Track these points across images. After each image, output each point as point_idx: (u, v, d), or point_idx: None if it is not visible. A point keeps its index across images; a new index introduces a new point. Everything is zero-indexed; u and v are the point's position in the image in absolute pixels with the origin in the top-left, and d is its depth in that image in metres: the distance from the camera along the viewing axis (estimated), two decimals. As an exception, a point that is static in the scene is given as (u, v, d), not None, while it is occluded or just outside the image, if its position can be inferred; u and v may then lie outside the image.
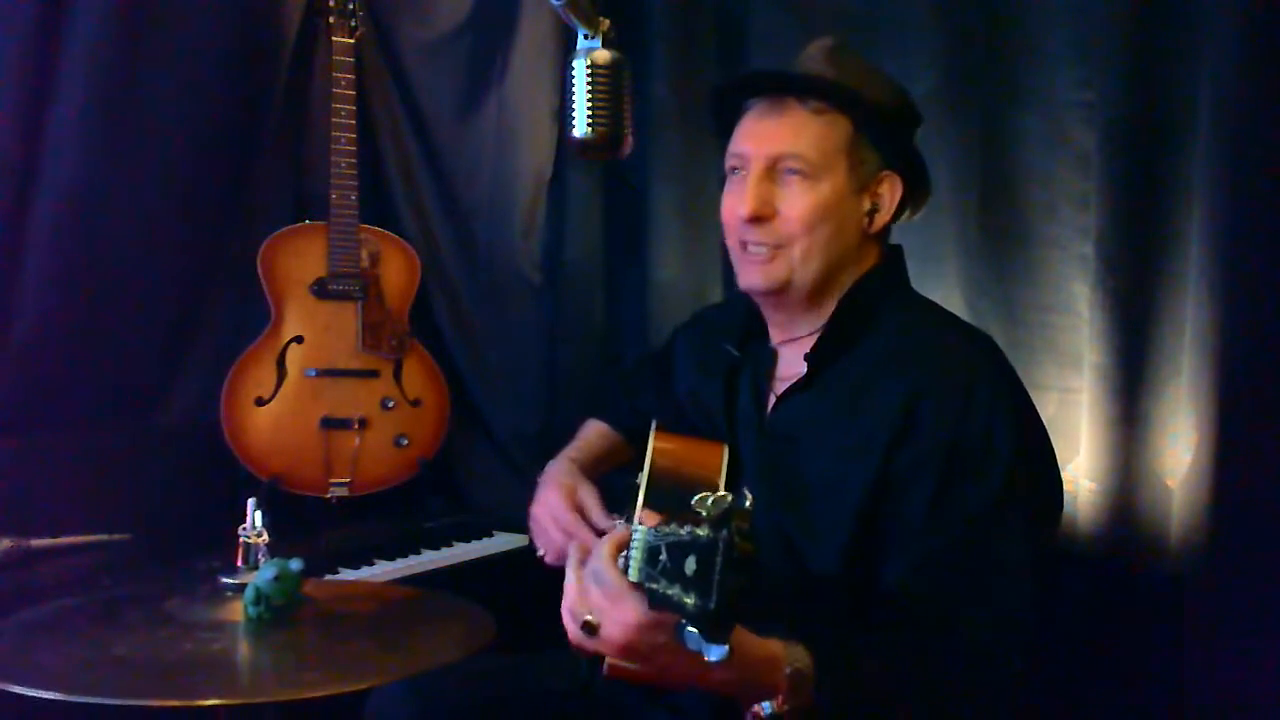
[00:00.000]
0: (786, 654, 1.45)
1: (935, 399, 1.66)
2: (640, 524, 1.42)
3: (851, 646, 1.54)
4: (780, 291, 1.80)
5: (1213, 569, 2.13)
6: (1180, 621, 2.19)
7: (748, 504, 1.23)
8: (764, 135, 1.79)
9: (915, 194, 1.87)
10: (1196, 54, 2.19)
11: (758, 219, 1.77)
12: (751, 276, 1.82)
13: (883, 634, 1.59)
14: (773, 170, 1.77)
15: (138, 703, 1.45)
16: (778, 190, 1.77)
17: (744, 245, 1.81)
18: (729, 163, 1.85)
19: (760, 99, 1.83)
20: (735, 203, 1.80)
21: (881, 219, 1.82)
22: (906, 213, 1.87)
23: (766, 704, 1.44)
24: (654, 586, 1.31)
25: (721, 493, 1.25)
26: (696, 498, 1.26)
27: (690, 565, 1.23)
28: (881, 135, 1.80)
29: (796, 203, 1.76)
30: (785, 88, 1.81)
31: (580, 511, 1.91)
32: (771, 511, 1.74)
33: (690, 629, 1.22)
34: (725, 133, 1.89)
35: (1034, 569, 1.64)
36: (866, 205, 1.81)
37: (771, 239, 1.77)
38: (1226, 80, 2.11)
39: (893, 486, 1.65)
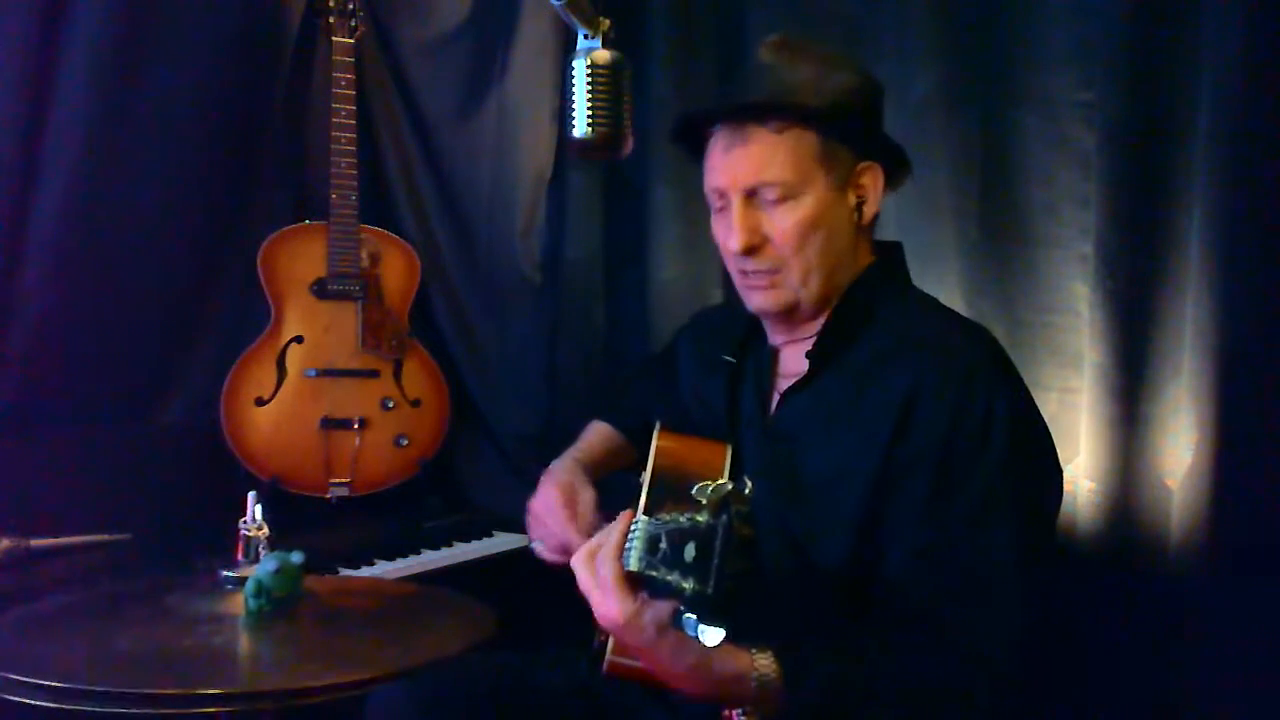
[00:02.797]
0: (753, 666, 1.46)
1: (933, 393, 1.66)
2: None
3: (822, 651, 1.54)
4: (790, 311, 1.81)
5: (1213, 569, 2.13)
6: (1180, 621, 2.19)
7: (746, 490, 1.24)
8: (735, 168, 1.77)
9: (895, 173, 1.86)
10: (1196, 54, 2.19)
11: (751, 250, 1.76)
12: (759, 302, 1.81)
13: (865, 635, 1.59)
14: (754, 197, 1.76)
15: (139, 694, 1.45)
16: (763, 216, 1.76)
17: (744, 274, 1.81)
18: (709, 197, 1.84)
19: (722, 125, 1.80)
20: (725, 236, 1.80)
21: (870, 209, 1.82)
22: (887, 191, 1.87)
23: (739, 712, 1.46)
24: (653, 574, 1.32)
25: (721, 480, 1.26)
26: (697, 486, 1.27)
27: (689, 551, 1.24)
28: (849, 130, 1.78)
29: (784, 223, 1.75)
30: (743, 114, 1.78)
31: (573, 510, 1.92)
32: (775, 510, 1.74)
33: (688, 615, 1.23)
34: (695, 156, 1.89)
35: (1032, 566, 1.64)
36: (852, 200, 1.80)
37: (768, 264, 1.77)
38: (1226, 80, 2.11)
39: (891, 481, 1.66)
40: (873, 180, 1.81)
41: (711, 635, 1.22)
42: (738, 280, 1.84)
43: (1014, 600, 1.60)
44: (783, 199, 1.74)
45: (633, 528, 1.42)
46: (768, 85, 1.80)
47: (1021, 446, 1.67)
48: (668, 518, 1.31)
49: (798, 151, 1.75)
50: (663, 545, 1.30)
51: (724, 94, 1.92)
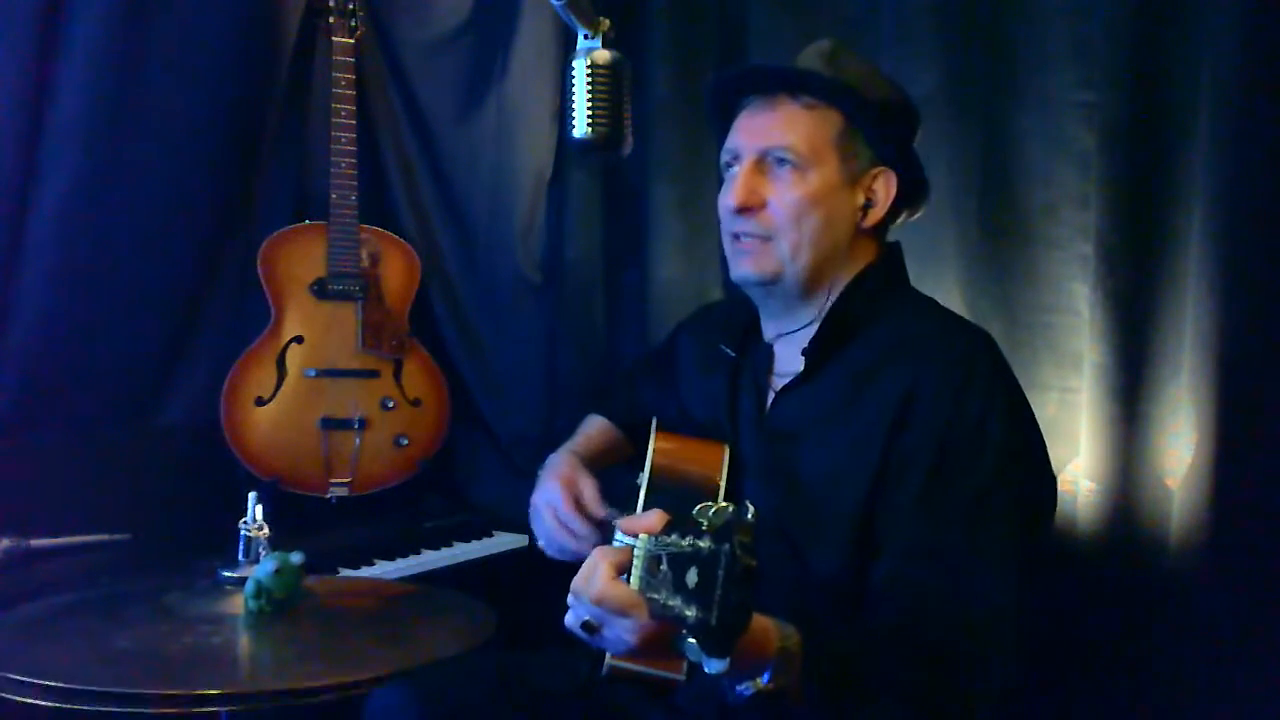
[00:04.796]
0: (779, 632, 1.45)
1: (931, 393, 1.67)
2: (634, 532, 1.42)
3: (842, 634, 1.54)
4: (771, 282, 1.82)
5: (1213, 569, 2.13)
6: (1180, 621, 2.19)
7: (749, 515, 1.22)
8: (755, 129, 1.82)
9: (912, 194, 1.87)
10: (1196, 54, 2.20)
11: (746, 209, 1.79)
12: (742, 268, 1.83)
13: (873, 626, 1.59)
14: (763, 163, 1.80)
15: (138, 694, 1.45)
16: (767, 182, 1.80)
17: (736, 237, 1.83)
18: (723, 159, 1.88)
19: (754, 97, 1.85)
20: (726, 195, 1.82)
21: (875, 214, 1.83)
22: (904, 214, 1.88)
23: (748, 685, 1.44)
24: (654, 596, 1.30)
25: (723, 503, 1.25)
26: (698, 507, 1.26)
27: (692, 577, 1.22)
28: (874, 131, 1.82)
29: (785, 194, 1.78)
30: (777, 84, 1.82)
31: (578, 503, 1.91)
32: (773, 509, 1.74)
33: (690, 640, 1.22)
34: (725, 132, 1.90)
35: (1024, 564, 1.64)
36: (860, 199, 1.82)
37: (760, 229, 1.80)
38: (1226, 80, 2.11)
39: (887, 479, 1.66)
40: (885, 187, 1.83)
41: (714, 665, 1.21)
42: (729, 246, 1.87)
43: (1006, 599, 1.61)
44: (791, 168, 1.78)
45: (635, 546, 1.41)
46: (809, 67, 1.83)
47: (1016, 448, 1.68)
48: (668, 539, 1.29)
49: (818, 128, 1.79)
50: (663, 567, 1.28)
51: (758, 66, 1.95)
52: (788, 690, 1.44)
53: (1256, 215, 2.09)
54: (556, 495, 1.93)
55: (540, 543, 1.99)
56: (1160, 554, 2.25)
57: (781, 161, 1.78)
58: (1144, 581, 2.28)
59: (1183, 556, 2.19)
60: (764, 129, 1.81)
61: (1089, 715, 2.35)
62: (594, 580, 1.40)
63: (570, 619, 1.47)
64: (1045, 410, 2.40)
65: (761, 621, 1.43)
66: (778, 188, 1.79)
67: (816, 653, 1.46)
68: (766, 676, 1.42)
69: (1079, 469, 2.37)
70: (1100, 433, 2.32)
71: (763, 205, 1.79)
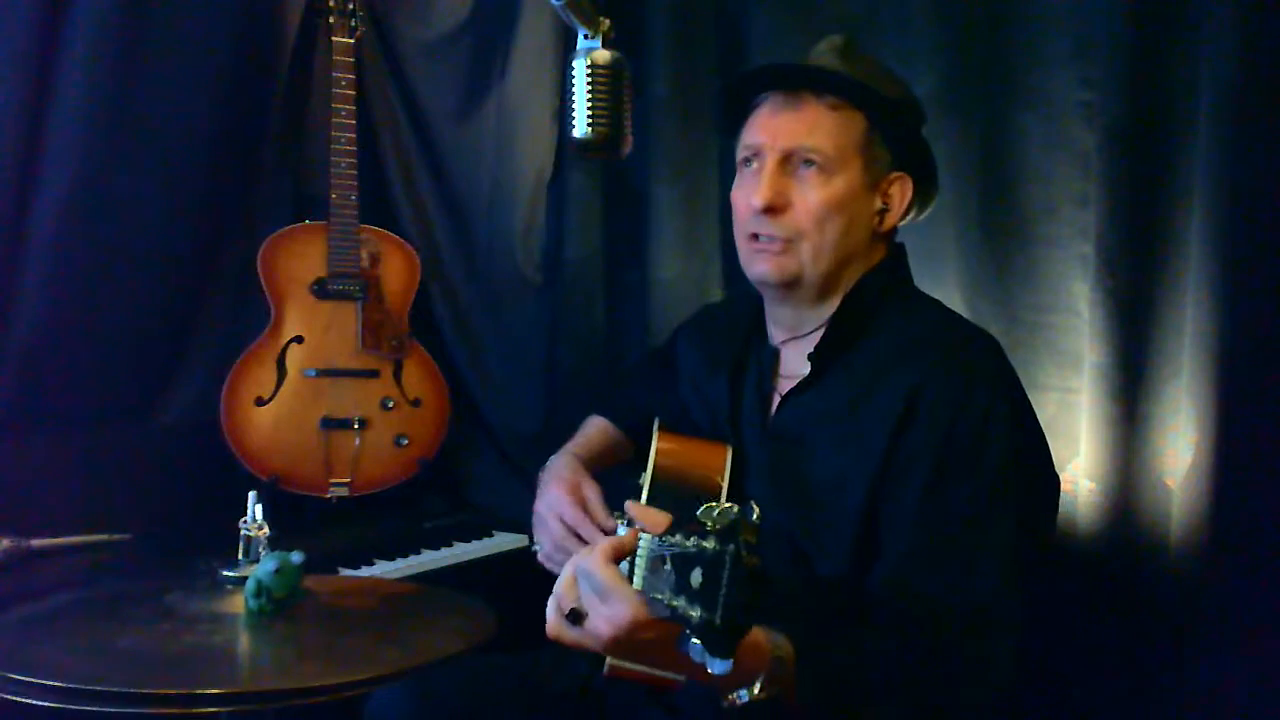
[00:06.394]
0: (769, 642, 1.45)
1: (934, 394, 1.66)
2: (641, 529, 1.42)
3: (834, 639, 1.54)
4: (791, 285, 1.81)
5: (1213, 569, 2.13)
6: (1180, 621, 2.19)
7: (754, 517, 1.22)
8: (780, 128, 1.79)
9: (923, 194, 1.87)
10: (1196, 54, 2.19)
11: (771, 210, 1.77)
12: (762, 267, 1.81)
13: (869, 628, 1.59)
14: (788, 163, 1.78)
15: (139, 693, 1.45)
16: (792, 183, 1.78)
17: (754, 236, 1.81)
18: (742, 154, 1.85)
19: (774, 93, 1.83)
20: (749, 193, 1.80)
21: (891, 220, 1.83)
22: (913, 212, 1.88)
23: (743, 692, 1.43)
24: (658, 596, 1.30)
25: (727, 504, 1.24)
26: (702, 508, 1.25)
27: (696, 578, 1.22)
28: (894, 133, 1.81)
29: (811, 196, 1.76)
30: (801, 82, 1.81)
31: (584, 507, 1.91)
32: (777, 513, 1.74)
33: (694, 640, 1.21)
34: (730, 127, 1.89)
35: (1026, 567, 1.64)
36: (877, 205, 1.82)
37: (784, 231, 1.78)
38: (1226, 80, 2.11)
39: (890, 480, 1.66)
40: (900, 192, 1.83)
41: (718, 666, 1.21)
42: (745, 247, 1.84)
43: (1008, 602, 1.60)
44: (817, 170, 1.76)
45: (637, 546, 1.40)
46: (828, 65, 1.82)
47: (1018, 451, 1.68)
48: (672, 539, 1.29)
49: (844, 131, 1.78)
50: (666, 567, 1.28)
51: (784, 64, 1.94)
52: (782, 698, 1.44)
53: (1256, 215, 2.09)
54: (563, 502, 1.92)
55: (537, 549, 1.98)
56: (1160, 554, 2.25)
57: (808, 163, 1.77)
58: (1144, 581, 2.28)
59: (1183, 556, 2.19)
60: (790, 128, 1.79)
61: (1089, 715, 2.34)
62: (592, 555, 1.40)
63: (552, 619, 1.46)
64: (1045, 410, 2.39)
65: (754, 632, 1.43)
66: (803, 190, 1.77)
67: (809, 661, 1.46)
68: (759, 685, 1.42)
69: (1079, 469, 2.37)
70: (1100, 433, 2.32)
71: (788, 207, 1.78)
